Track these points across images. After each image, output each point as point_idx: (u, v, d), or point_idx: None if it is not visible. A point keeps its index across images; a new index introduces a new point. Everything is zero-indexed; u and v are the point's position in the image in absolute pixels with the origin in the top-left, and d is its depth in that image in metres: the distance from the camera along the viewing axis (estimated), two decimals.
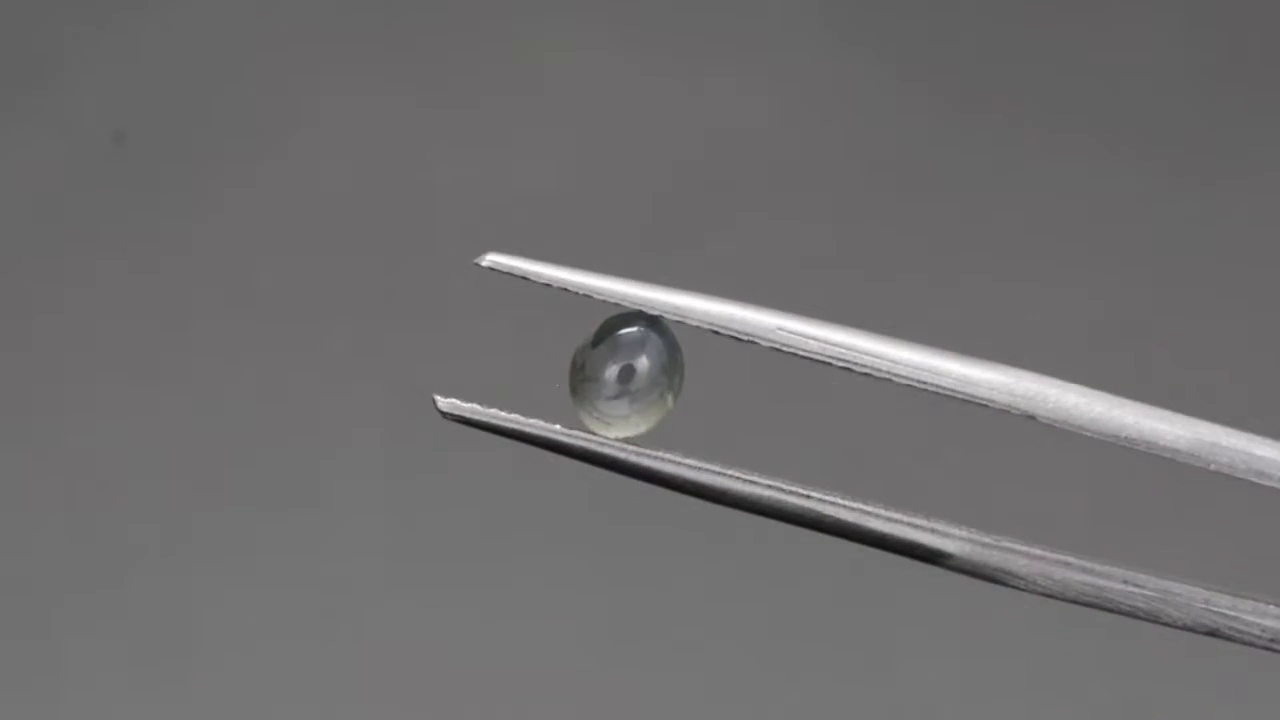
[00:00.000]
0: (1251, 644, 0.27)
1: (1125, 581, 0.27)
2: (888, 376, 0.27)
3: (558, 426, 0.27)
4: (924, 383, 0.27)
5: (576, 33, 0.78)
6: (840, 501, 0.27)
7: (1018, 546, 0.27)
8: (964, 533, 0.27)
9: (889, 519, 0.27)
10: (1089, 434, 0.27)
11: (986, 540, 0.27)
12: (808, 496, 0.27)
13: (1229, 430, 0.27)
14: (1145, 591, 0.27)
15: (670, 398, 0.27)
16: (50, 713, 0.66)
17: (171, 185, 0.75)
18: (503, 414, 0.27)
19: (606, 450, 0.27)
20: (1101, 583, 0.27)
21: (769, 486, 0.27)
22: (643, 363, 0.26)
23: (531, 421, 0.27)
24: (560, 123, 0.76)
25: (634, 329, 0.27)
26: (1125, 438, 0.27)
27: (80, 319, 0.72)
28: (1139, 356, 0.70)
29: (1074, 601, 0.27)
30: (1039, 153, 0.74)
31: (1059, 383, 0.27)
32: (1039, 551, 0.27)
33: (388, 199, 0.75)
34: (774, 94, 0.76)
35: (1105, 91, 0.75)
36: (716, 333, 0.27)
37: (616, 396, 0.26)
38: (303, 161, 0.75)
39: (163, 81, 0.77)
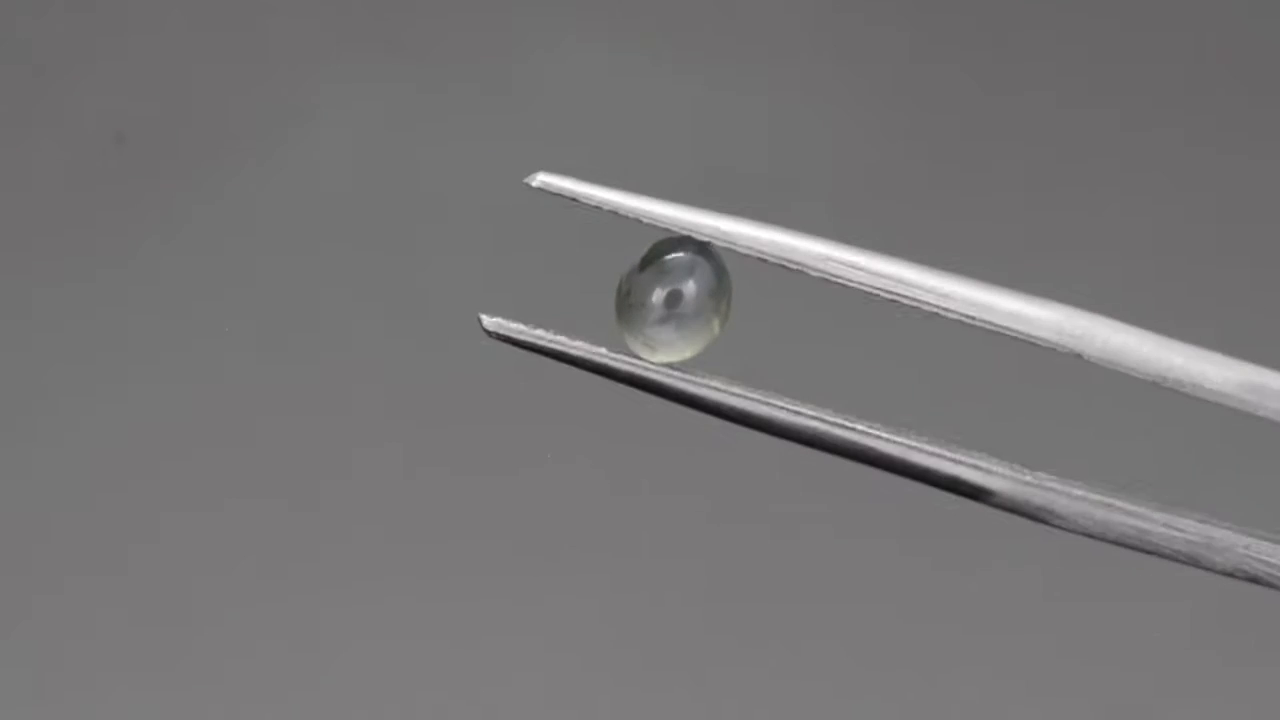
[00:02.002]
0: None
1: (1167, 525, 0.27)
2: (936, 311, 0.26)
3: (603, 349, 0.27)
4: (973, 318, 0.26)
5: (576, 32, 0.78)
6: (885, 435, 0.27)
7: (1061, 486, 0.27)
8: (1007, 470, 0.27)
9: (933, 454, 0.27)
10: (1137, 374, 0.27)
11: (1029, 479, 0.27)
12: (851, 429, 0.27)
13: (1278, 374, 0.27)
14: (1187, 535, 0.27)
15: (717, 323, 0.27)
16: (49, 705, 0.65)
17: (171, 185, 0.75)
18: (548, 335, 0.26)
19: (651, 375, 0.26)
20: (1144, 525, 0.27)
21: (814, 417, 0.27)
22: (690, 287, 0.26)
23: (576, 343, 0.26)
24: (560, 122, 0.76)
25: (681, 254, 0.26)
26: (1174, 379, 0.27)
27: (81, 318, 0.72)
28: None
29: (1115, 543, 0.27)
30: (1043, 150, 0.74)
31: (1109, 321, 0.27)
32: (1081, 492, 0.27)
33: (389, 198, 0.75)
34: (775, 94, 0.76)
35: (1123, 70, 0.76)
36: (764, 260, 0.26)
37: (663, 321, 0.26)
38: (303, 161, 0.75)
39: (163, 81, 0.77)
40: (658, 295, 0.26)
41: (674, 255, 0.26)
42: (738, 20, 0.78)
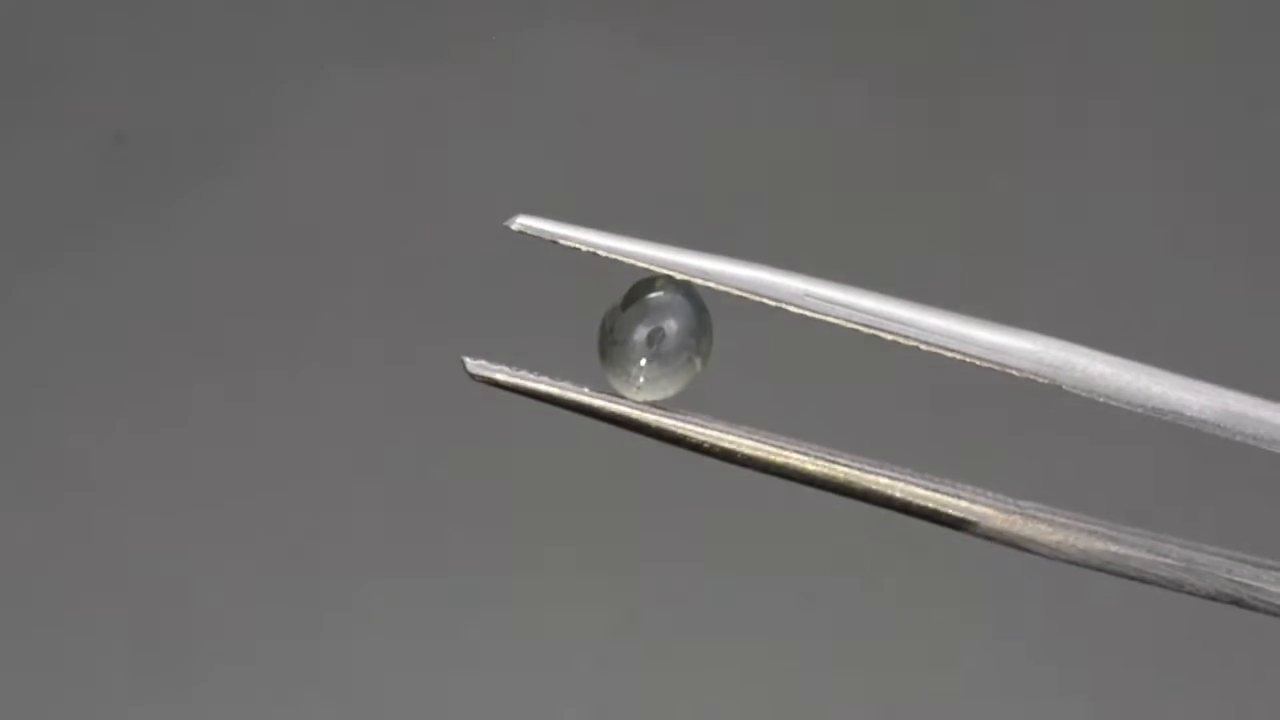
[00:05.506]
0: (1275, 614, 0.27)
1: (1150, 551, 0.27)
2: (915, 343, 0.27)
3: (585, 389, 0.27)
4: (951, 350, 0.27)
5: (577, 31, 0.78)
6: (867, 468, 0.27)
7: (1043, 514, 0.27)
8: (989, 500, 0.27)
9: (916, 485, 0.27)
10: (1115, 403, 0.27)
11: (1012, 508, 0.27)
12: (834, 462, 0.27)
13: (1257, 400, 0.27)
14: (1169, 561, 0.27)
15: (698, 361, 0.27)
16: (50, 706, 0.66)
17: (171, 185, 0.75)
18: (531, 376, 0.27)
19: (634, 413, 0.27)
20: (1126, 551, 0.27)
21: (796, 452, 0.27)
22: (671, 325, 0.26)
23: (559, 384, 0.27)
24: (563, 121, 0.76)
25: (663, 292, 0.27)
26: (1152, 407, 0.27)
27: (80, 318, 0.72)
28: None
29: (1098, 569, 0.27)
30: (1041, 143, 0.74)
31: (1086, 351, 0.27)
32: (1064, 520, 0.27)
33: (391, 196, 0.75)
34: (775, 93, 0.76)
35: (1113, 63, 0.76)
36: (744, 297, 0.27)
37: (645, 359, 0.26)
38: (304, 160, 0.75)
39: (163, 81, 0.77)
40: (639, 334, 0.27)
41: (655, 294, 0.27)
42: (737, 18, 0.78)
